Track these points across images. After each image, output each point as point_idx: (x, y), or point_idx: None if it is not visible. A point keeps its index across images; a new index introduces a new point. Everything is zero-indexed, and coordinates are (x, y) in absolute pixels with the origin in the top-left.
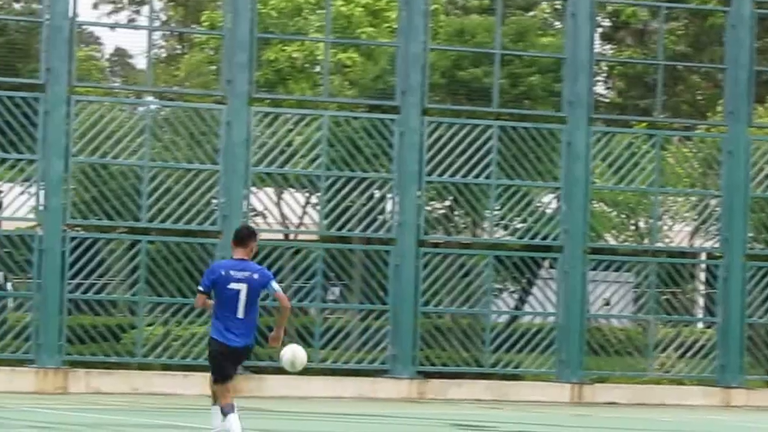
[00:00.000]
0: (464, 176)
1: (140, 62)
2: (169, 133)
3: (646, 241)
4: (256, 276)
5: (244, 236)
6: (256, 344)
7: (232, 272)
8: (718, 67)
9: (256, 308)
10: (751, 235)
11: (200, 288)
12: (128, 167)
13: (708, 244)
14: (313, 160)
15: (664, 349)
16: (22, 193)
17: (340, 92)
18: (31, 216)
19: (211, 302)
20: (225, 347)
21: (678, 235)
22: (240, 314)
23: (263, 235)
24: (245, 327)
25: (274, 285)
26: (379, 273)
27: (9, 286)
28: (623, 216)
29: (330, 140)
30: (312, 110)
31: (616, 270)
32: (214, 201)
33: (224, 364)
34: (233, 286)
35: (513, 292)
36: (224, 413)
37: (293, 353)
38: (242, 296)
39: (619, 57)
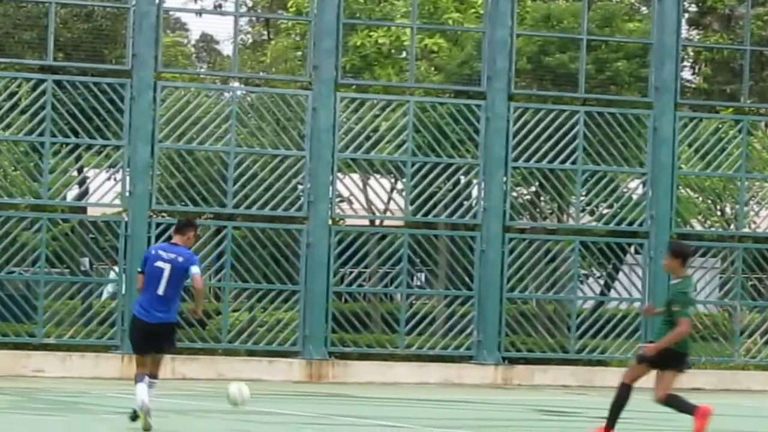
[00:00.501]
0: (550, 162)
1: (226, 48)
2: (254, 119)
3: (732, 226)
4: (180, 259)
5: (182, 225)
6: (343, 332)
7: (161, 252)
8: None
9: (177, 290)
10: None
11: (139, 269)
12: (214, 153)
13: None
14: (399, 146)
15: (750, 335)
16: (108, 179)
17: (426, 78)
18: (117, 202)
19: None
20: (146, 324)
21: (764, 220)
22: (160, 291)
23: (349, 221)
24: (165, 304)
25: (194, 268)
26: (464, 259)
27: (112, 273)
28: (709, 201)
29: (416, 126)
30: (398, 96)
31: (702, 256)
32: (300, 187)
33: (144, 340)
34: (159, 264)
35: (599, 277)
36: (136, 381)
37: (240, 391)
38: (165, 275)
39: (706, 42)
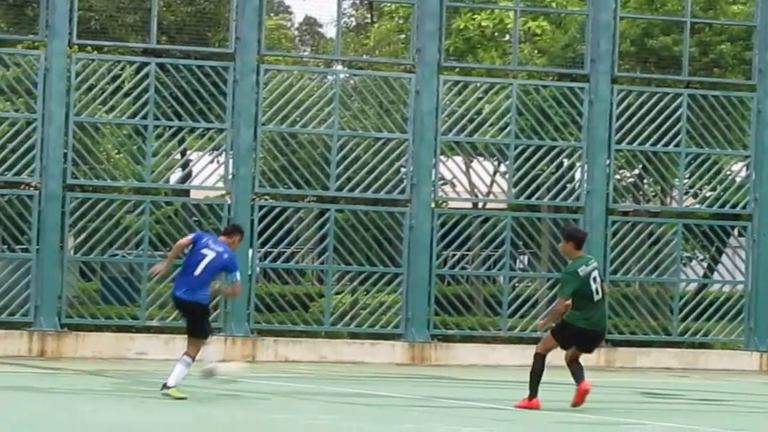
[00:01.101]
0: (653, 144)
1: (329, 31)
2: (358, 102)
3: None
4: (225, 255)
5: (230, 230)
6: (445, 314)
7: (210, 242)
8: None
9: (211, 277)
10: None
11: (189, 236)
12: (317, 136)
13: None
14: (502, 129)
15: None
16: (211, 161)
17: (529, 61)
18: (220, 185)
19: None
20: (176, 300)
21: None
22: (197, 272)
23: (452, 204)
24: (196, 284)
25: (238, 275)
26: None
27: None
28: None
29: (519, 109)
30: (501, 79)
31: None
32: (403, 170)
33: (186, 318)
34: (204, 251)
35: (702, 260)
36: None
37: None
38: (206, 261)
39: None
